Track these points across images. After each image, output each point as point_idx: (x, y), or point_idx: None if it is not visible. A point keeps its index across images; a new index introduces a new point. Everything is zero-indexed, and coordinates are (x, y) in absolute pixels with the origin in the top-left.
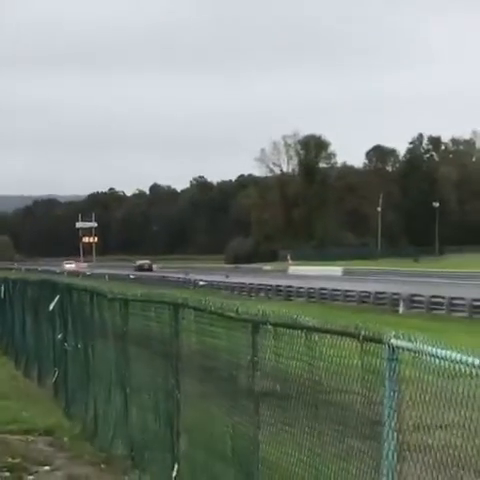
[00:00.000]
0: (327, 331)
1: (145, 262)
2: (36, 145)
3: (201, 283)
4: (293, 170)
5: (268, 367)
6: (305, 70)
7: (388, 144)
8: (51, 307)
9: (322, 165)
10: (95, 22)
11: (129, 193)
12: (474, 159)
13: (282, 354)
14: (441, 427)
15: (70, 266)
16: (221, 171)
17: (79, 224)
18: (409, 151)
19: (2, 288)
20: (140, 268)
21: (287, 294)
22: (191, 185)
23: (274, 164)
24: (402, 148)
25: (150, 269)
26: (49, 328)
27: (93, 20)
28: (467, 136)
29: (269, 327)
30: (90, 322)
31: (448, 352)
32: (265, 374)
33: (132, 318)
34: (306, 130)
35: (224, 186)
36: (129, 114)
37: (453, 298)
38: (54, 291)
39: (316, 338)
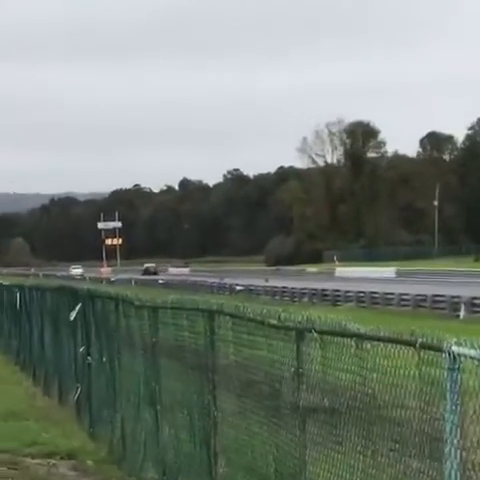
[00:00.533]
0: (380, 339)
1: (151, 265)
2: (52, 139)
3: (238, 288)
4: (338, 161)
5: (315, 379)
6: (350, 50)
7: (444, 130)
8: (72, 317)
9: (371, 155)
10: (107, 14)
11: (156, 189)
12: None
13: (330, 365)
14: None
15: (77, 271)
16: (258, 163)
17: (101, 224)
18: (468, 137)
19: (18, 297)
20: (147, 272)
21: (334, 299)
22: (225, 179)
23: (317, 154)
24: (460, 134)
25: (156, 272)
26: (70, 340)
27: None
28: None
29: (315, 335)
30: (116, 333)
31: None
32: (311, 387)
33: (162, 327)
34: (352, 116)
35: (262, 180)
36: (153, 105)
37: None
38: (75, 299)
39: (368, 347)
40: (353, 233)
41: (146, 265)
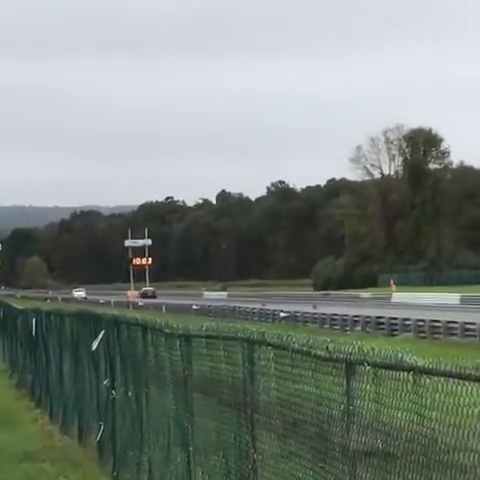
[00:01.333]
0: (441, 373)
1: (149, 289)
2: (73, 146)
3: (282, 315)
4: (396, 172)
5: (367, 419)
6: (410, 48)
7: None
8: (95, 346)
9: (433, 166)
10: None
11: (191, 203)
12: None
13: (384, 402)
14: None
15: (79, 294)
16: (306, 175)
17: (128, 242)
18: None
19: (33, 323)
20: (145, 295)
21: (390, 328)
22: (268, 192)
23: (373, 165)
24: None
25: (154, 296)
26: (92, 372)
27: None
28: None
29: (367, 368)
30: (143, 364)
31: None
32: (363, 428)
33: (196, 358)
34: (413, 122)
35: (310, 193)
36: (188, 110)
37: None
38: (98, 326)
39: (427, 382)
40: (412, 254)
41: (144, 289)
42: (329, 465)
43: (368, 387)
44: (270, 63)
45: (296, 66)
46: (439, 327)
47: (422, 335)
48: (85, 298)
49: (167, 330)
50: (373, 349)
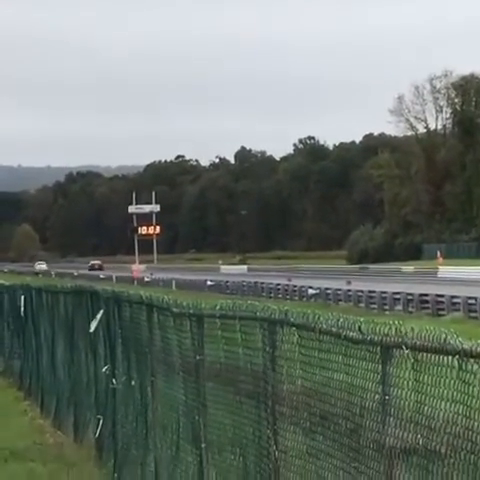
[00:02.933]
0: None
1: (96, 262)
2: (68, 96)
3: (311, 292)
4: (444, 126)
5: (405, 411)
6: None
7: None
8: (93, 327)
9: None
10: None
11: (205, 162)
12: None
13: (426, 391)
14: None
15: (41, 267)
16: (339, 130)
17: (133, 208)
18: None
19: (22, 301)
20: (92, 268)
21: (436, 307)
22: (295, 150)
23: (416, 118)
24: None
25: (100, 268)
26: (90, 358)
27: None
28: None
29: (406, 352)
30: (148, 349)
31: None
32: (401, 421)
33: (209, 342)
34: (462, 68)
35: (344, 151)
36: (200, 56)
37: None
38: (97, 304)
39: (475, 368)
40: (462, 221)
41: (92, 262)
42: (362, 464)
43: (407, 374)
44: (301, 6)
45: (327, 8)
46: None
47: (473, 315)
48: (49, 271)
49: (175, 309)
50: (413, 330)
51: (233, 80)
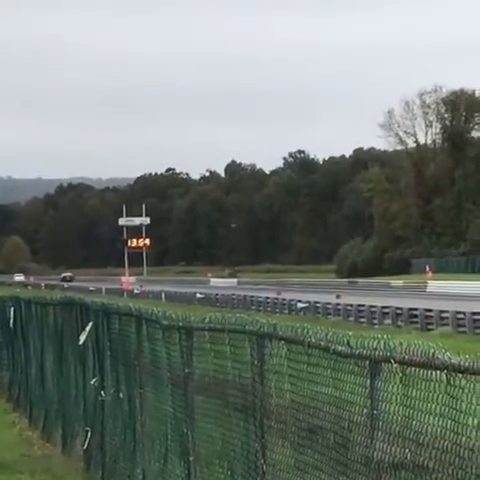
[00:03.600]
0: (477, 372)
1: (67, 274)
2: (59, 108)
3: (300, 305)
4: (434, 141)
5: (393, 425)
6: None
7: None
8: (82, 340)
9: (477, 134)
10: None
11: (196, 175)
12: None
13: (414, 406)
14: None
15: (20, 279)
16: (329, 144)
17: (123, 220)
18: None
19: (11, 313)
20: (64, 280)
21: (425, 321)
22: (285, 164)
23: (406, 133)
24: None
25: (71, 280)
26: (79, 370)
27: None
28: None
29: (394, 366)
30: (137, 361)
31: None
32: (389, 435)
33: (198, 355)
34: (453, 84)
35: (334, 165)
36: (196, 65)
37: None
38: (86, 316)
39: (462, 383)
40: (451, 236)
41: (63, 274)
42: (350, 478)
43: (395, 388)
44: (287, 16)
45: (318, 20)
46: None
47: (462, 329)
48: (24, 283)
49: (165, 322)
50: (401, 344)
51: (223, 94)
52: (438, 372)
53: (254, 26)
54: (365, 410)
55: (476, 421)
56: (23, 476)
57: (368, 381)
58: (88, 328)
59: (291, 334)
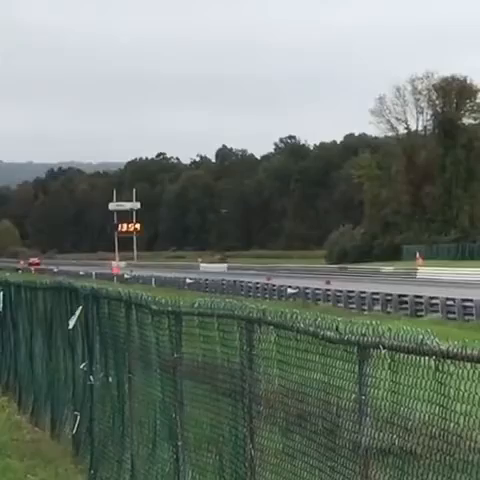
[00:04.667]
0: (468, 358)
1: (33, 259)
2: (50, 91)
3: (290, 291)
4: (425, 128)
5: (381, 411)
6: None
7: None
8: (71, 324)
9: (468, 121)
10: None
11: (186, 160)
12: None
13: (402, 392)
14: None
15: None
16: (320, 130)
17: (113, 205)
18: None
19: (1, 297)
20: (30, 264)
21: (415, 308)
22: (276, 150)
23: (397, 119)
24: None
25: (38, 264)
26: (68, 354)
27: None
28: None
29: (383, 352)
30: (126, 346)
31: None
32: (377, 421)
33: (187, 340)
34: (444, 70)
35: (324, 151)
36: (183, 53)
37: None
38: (75, 301)
39: (451, 369)
40: (442, 223)
41: (31, 259)
42: (338, 464)
43: (384, 374)
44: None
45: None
46: (471, 307)
47: (452, 316)
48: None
49: (154, 306)
50: (390, 330)
51: (215, 80)
52: (427, 358)
53: (243, 13)
54: (354, 396)
55: (464, 407)
56: (12, 460)
57: (357, 367)
58: (77, 312)
59: (280, 320)
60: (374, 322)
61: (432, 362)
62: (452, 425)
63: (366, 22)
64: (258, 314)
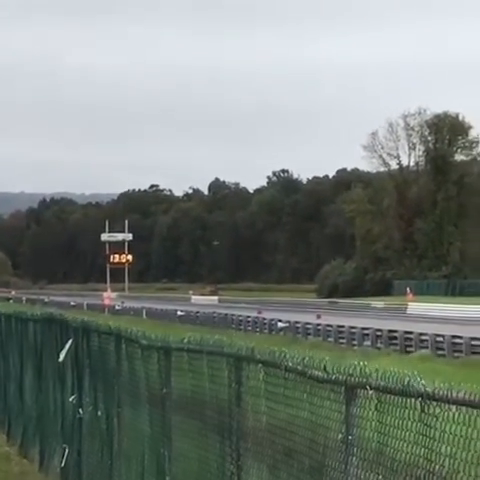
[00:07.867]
0: (453, 401)
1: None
2: (44, 122)
3: (280, 325)
4: (417, 164)
5: (368, 451)
6: (434, 22)
7: None
8: (62, 357)
9: (460, 157)
10: None
11: (179, 192)
12: None
13: (388, 433)
14: None
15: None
16: (313, 164)
17: (106, 236)
18: None
19: None
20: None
21: (404, 343)
22: (269, 183)
23: (390, 155)
24: None
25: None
26: (58, 387)
27: None
28: None
29: (370, 393)
30: (116, 380)
31: None
32: (364, 461)
33: (176, 375)
34: (436, 106)
35: (317, 185)
36: (178, 84)
37: None
38: (66, 333)
39: (436, 411)
40: (432, 258)
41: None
42: None
43: (370, 414)
44: (268, 35)
45: (300, 40)
46: (461, 344)
47: (441, 353)
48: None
49: (144, 341)
50: (377, 371)
51: (208, 111)
52: (413, 400)
53: (237, 44)
54: (340, 435)
55: (449, 449)
56: None
57: (344, 407)
58: (68, 345)
59: (269, 358)
60: (361, 362)
61: (418, 404)
62: (437, 467)
63: (360, 58)
64: (247, 352)
